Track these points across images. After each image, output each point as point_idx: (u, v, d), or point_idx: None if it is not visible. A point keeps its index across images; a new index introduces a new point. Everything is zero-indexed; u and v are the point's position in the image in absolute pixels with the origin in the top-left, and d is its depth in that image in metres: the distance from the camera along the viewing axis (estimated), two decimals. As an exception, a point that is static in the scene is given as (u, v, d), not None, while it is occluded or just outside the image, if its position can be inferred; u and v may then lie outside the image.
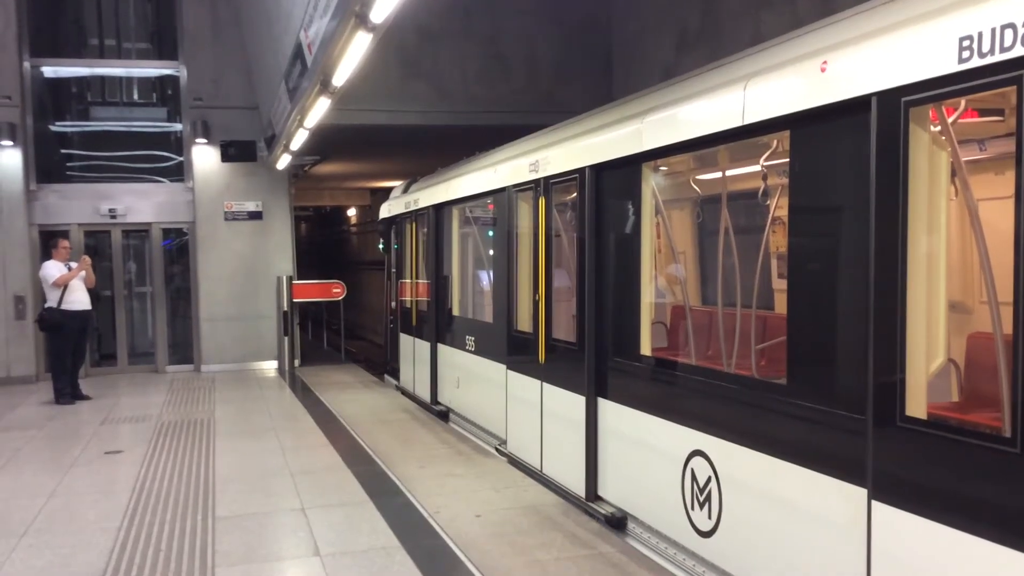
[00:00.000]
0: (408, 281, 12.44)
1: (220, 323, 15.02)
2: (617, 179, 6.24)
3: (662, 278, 6.90)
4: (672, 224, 6.87)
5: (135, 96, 16.61)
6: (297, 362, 15.33)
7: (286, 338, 15.02)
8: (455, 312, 10.36)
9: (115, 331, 15.06)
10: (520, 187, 7.82)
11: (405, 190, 12.89)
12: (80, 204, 14.76)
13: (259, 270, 15.19)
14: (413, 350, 12.03)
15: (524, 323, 7.84)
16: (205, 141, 14.83)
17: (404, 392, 12.42)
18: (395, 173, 19.57)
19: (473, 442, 9.03)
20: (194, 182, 14.97)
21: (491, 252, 9.49)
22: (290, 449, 8.73)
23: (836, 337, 4.10)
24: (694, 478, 5.19)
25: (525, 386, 7.75)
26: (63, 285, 11.52)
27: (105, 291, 14.47)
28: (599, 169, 6.40)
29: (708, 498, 5.05)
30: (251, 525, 6.28)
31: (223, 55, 14.85)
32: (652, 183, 5.89)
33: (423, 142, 15.01)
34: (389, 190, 14.58)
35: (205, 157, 14.96)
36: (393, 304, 13.68)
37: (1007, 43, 3.03)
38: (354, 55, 6.64)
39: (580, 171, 6.60)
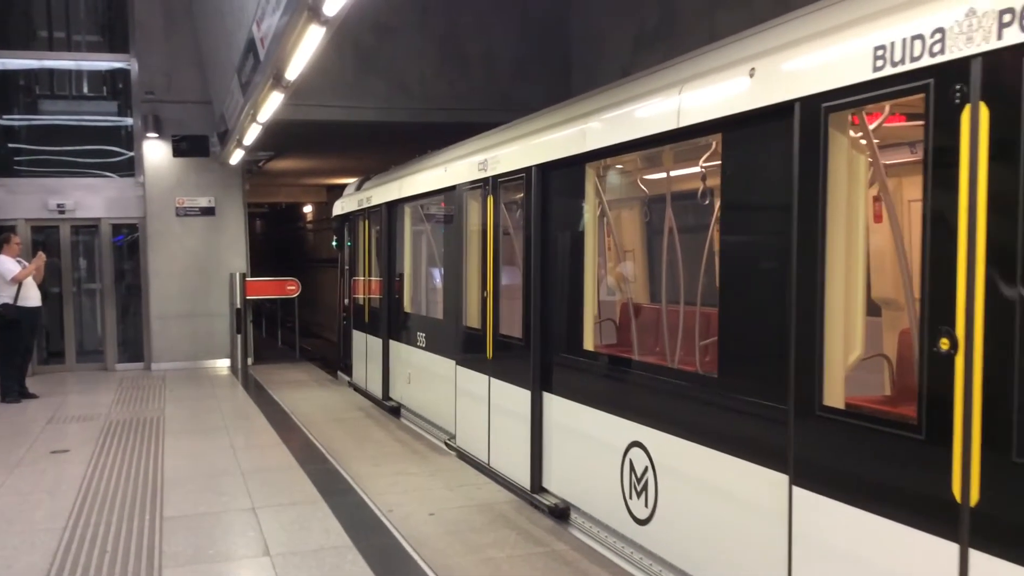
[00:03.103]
0: (361, 278, 12.52)
1: (171, 320, 14.80)
2: (562, 178, 6.44)
3: (609, 276, 7.07)
4: (620, 223, 7.11)
5: (85, 89, 16.26)
6: (250, 360, 15.15)
7: (239, 336, 14.83)
8: (407, 309, 10.47)
9: (63, 328, 14.77)
10: (469, 186, 7.99)
11: (358, 188, 13.01)
12: (28, 199, 14.47)
13: (212, 267, 14.99)
14: (366, 347, 12.10)
15: (473, 320, 7.95)
16: (156, 136, 14.60)
17: (356, 388, 12.48)
18: (352, 170, 19.42)
19: (427, 440, 9.00)
20: (145, 177, 14.73)
21: (442, 250, 9.67)
22: (241, 448, 8.62)
23: (761, 332, 4.29)
24: (632, 468, 5.40)
25: (474, 381, 7.92)
26: (20, 281, 11.29)
27: (53, 288, 14.16)
28: (545, 169, 6.55)
29: (645, 487, 5.25)
30: (200, 525, 6.18)
31: (175, 48, 14.61)
32: (596, 182, 6.11)
33: (380, 139, 14.90)
34: (345, 187, 14.59)
35: (156, 152, 14.73)
36: (346, 301, 13.70)
37: (916, 53, 3.25)
38: (307, 49, 6.57)
39: (527, 170, 6.75)
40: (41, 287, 11.88)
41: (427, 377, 9.54)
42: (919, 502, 3.28)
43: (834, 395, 3.72)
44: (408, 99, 12.92)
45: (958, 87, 3.12)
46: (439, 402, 9.06)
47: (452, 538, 5.89)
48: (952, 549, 3.13)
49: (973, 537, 3.07)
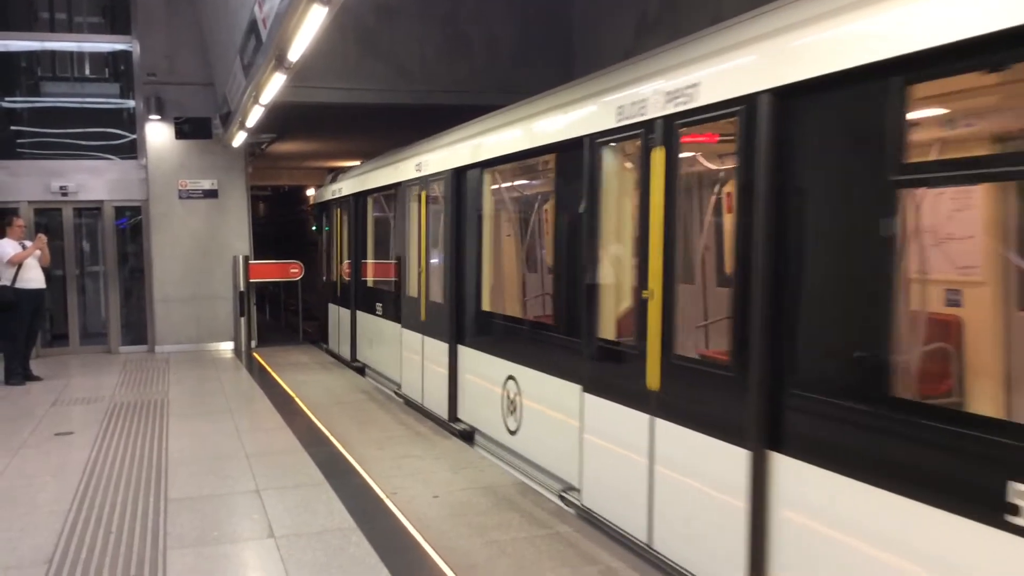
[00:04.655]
0: (334, 259, 14.60)
1: (175, 303, 14.80)
2: (470, 180, 8.25)
3: (502, 255, 8.64)
4: (508, 215, 8.60)
5: (87, 71, 16.20)
6: (254, 343, 15.18)
7: (243, 318, 14.86)
8: (369, 284, 12.61)
9: (67, 311, 14.78)
10: (410, 182, 9.95)
11: (332, 180, 15.04)
12: (30, 181, 14.44)
13: (215, 249, 14.97)
14: (338, 317, 14.21)
15: (412, 291, 9.91)
16: (159, 118, 14.54)
17: (331, 353, 14.54)
18: (354, 152, 19.37)
19: (431, 424, 9.02)
20: (147, 159, 14.68)
21: (393, 234, 11.42)
22: (245, 430, 8.65)
23: (572, 293, 6.28)
24: (507, 395, 7.41)
25: (412, 339, 9.94)
26: (18, 264, 11.29)
27: (57, 270, 14.14)
28: (458, 172, 8.39)
29: (515, 407, 7.28)
30: (204, 507, 6.21)
31: (177, 30, 14.54)
32: (491, 184, 8.02)
33: (381, 121, 14.85)
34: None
35: (159, 134, 14.68)
36: (324, 279, 15.57)
37: (636, 113, 5.23)
38: (309, 30, 6.53)
39: (447, 172, 8.59)
40: (45, 270, 11.88)
41: (383, 339, 11.60)
42: (634, 390, 5.24)
43: (606, 332, 5.75)
44: (409, 82, 12.87)
45: (652, 135, 5.05)
46: (390, 359, 11.06)
47: (456, 520, 5.92)
48: (646, 418, 5.16)
49: (658, 410, 5.05)
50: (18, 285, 11.32)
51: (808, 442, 3.91)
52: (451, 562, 5.04)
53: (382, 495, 6.37)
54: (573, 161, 6.08)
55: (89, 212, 15.02)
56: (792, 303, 4.03)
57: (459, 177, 8.38)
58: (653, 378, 5.02)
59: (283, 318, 20.02)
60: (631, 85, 5.37)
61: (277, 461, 7.40)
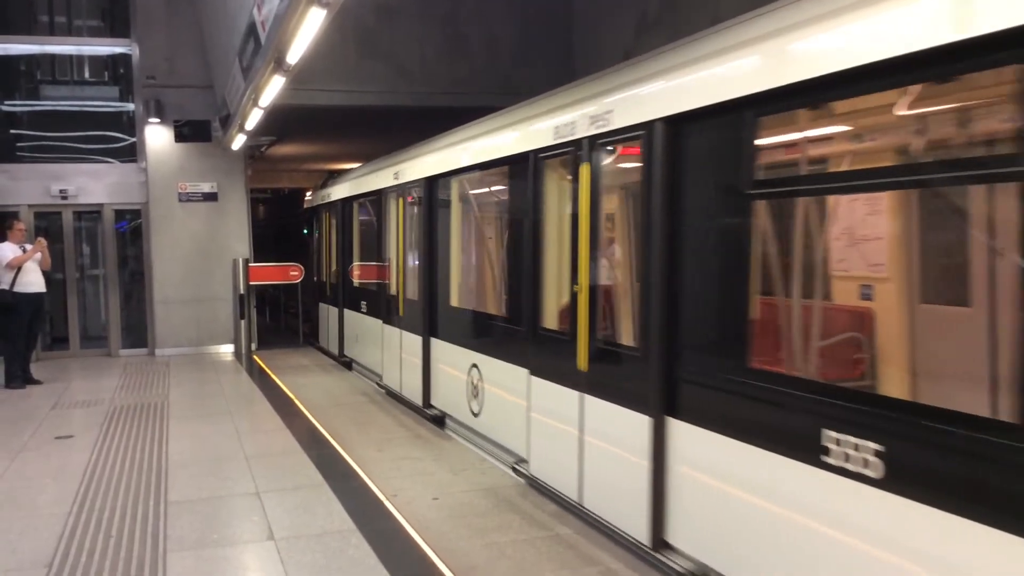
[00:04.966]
0: (324, 260, 15.51)
1: (175, 306, 14.80)
2: (440, 188, 9.11)
3: (466, 255, 9.21)
4: (472, 220, 9.11)
5: (86, 75, 16.21)
6: (254, 345, 15.17)
7: (243, 321, 14.85)
8: (355, 284, 13.27)
9: (67, 314, 14.78)
10: (389, 189, 10.81)
11: (322, 186, 16.02)
12: (30, 185, 14.44)
13: (215, 252, 14.97)
14: (328, 316, 14.99)
15: (392, 289, 10.72)
16: (158, 121, 14.55)
17: (322, 350, 15.24)
18: (354, 155, 19.34)
19: (430, 425, 9.02)
20: (147, 163, 14.69)
21: (376, 236, 11.91)
22: (245, 433, 8.64)
23: (521, 290, 7.03)
24: (471, 381, 8.14)
25: (392, 333, 10.74)
26: (17, 267, 11.29)
27: (57, 274, 14.14)
28: (430, 180, 9.22)
29: (478, 392, 8.02)
30: (204, 510, 6.20)
31: (177, 33, 14.55)
32: (457, 192, 8.83)
33: (382, 123, 14.83)
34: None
35: (158, 137, 14.69)
36: (315, 279, 16.24)
37: (568, 132, 6.08)
38: (308, 32, 6.52)
39: (420, 180, 9.44)
40: (45, 273, 11.89)
41: (367, 335, 12.32)
42: (567, 372, 6.06)
43: (548, 323, 6.59)
44: (409, 83, 12.85)
45: (580, 152, 5.89)
46: (373, 352, 11.83)
47: (456, 522, 5.91)
48: (576, 395, 5.97)
49: (586, 388, 5.86)
50: (17, 289, 11.32)
51: (695, 409, 4.80)
52: (451, 564, 5.03)
53: (382, 497, 6.36)
54: (522, 173, 6.91)
55: (89, 215, 15.02)
56: (682, 295, 4.92)
57: (431, 185, 9.24)
58: (582, 360, 5.91)
59: (283, 321, 20.00)
60: (566, 109, 6.20)
61: (277, 463, 7.40)
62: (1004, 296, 3.73)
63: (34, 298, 11.57)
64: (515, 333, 7.11)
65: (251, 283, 15.02)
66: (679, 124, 4.89)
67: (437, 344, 9.14)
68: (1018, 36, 2.89)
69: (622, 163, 5.81)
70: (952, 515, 3.19)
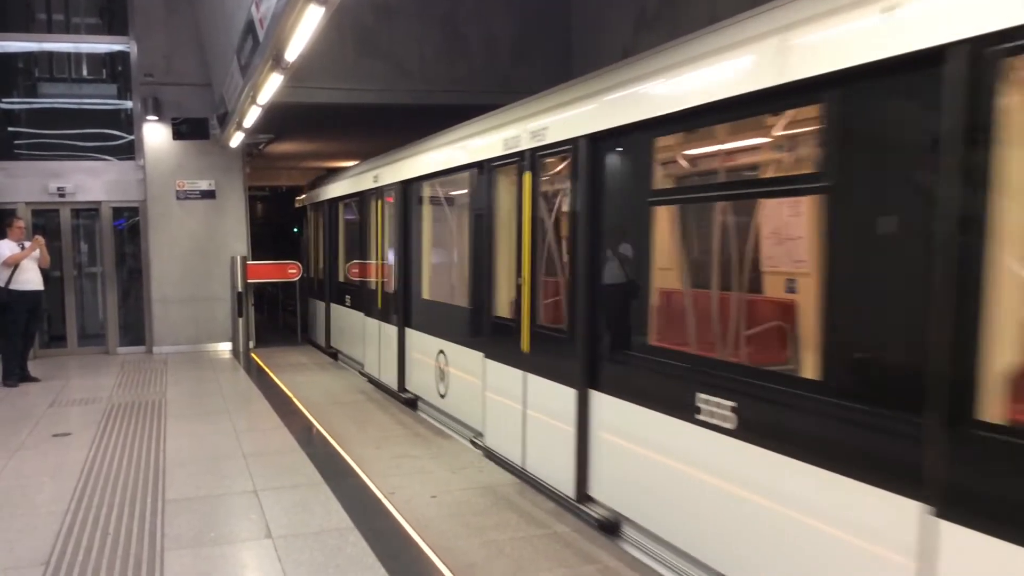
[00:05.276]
0: (312, 257, 16.58)
1: (173, 304, 14.79)
2: (413, 191, 10.01)
3: (435, 252, 10.13)
4: (441, 220, 9.95)
5: (84, 72, 16.16)
6: (252, 343, 15.16)
7: (240, 319, 14.84)
8: (340, 279, 14.17)
9: (64, 312, 14.76)
10: (369, 191, 11.77)
11: (311, 187, 17.25)
12: (28, 182, 14.42)
13: (213, 250, 14.96)
14: (316, 310, 16.04)
15: (372, 284, 11.62)
16: (156, 118, 14.53)
17: (312, 343, 16.09)
18: (352, 153, 19.32)
19: (429, 424, 9.02)
20: (145, 160, 14.67)
21: (358, 234, 12.83)
22: (243, 431, 8.63)
23: (478, 282, 7.93)
24: (439, 366, 9.07)
25: (372, 325, 11.69)
26: (14, 265, 11.27)
27: (55, 272, 14.11)
28: (405, 184, 10.09)
29: (444, 376, 8.95)
30: (202, 508, 6.19)
31: (175, 30, 14.52)
32: (429, 194, 9.78)
33: (380, 121, 14.82)
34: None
35: (156, 135, 14.67)
36: (304, 275, 16.75)
37: (514, 145, 6.96)
38: (306, 30, 6.51)
39: (396, 184, 10.32)
40: (43, 271, 11.87)
41: (350, 327, 13.32)
42: (514, 353, 7.00)
43: (500, 311, 7.46)
44: (408, 81, 12.84)
45: (523, 162, 6.75)
46: (357, 343, 12.78)
47: (454, 521, 5.91)
48: (520, 373, 6.89)
49: (528, 367, 6.77)
50: (13, 287, 11.30)
51: (610, 382, 5.73)
52: (449, 562, 5.03)
53: (380, 495, 6.36)
54: (479, 179, 7.82)
55: (87, 213, 15.00)
56: (600, 287, 5.85)
57: (405, 188, 10.14)
58: (525, 344, 6.84)
59: (281, 319, 19.99)
60: (513, 124, 7.05)
61: (275, 461, 7.39)
62: (808, 288, 4.56)
63: (31, 296, 11.55)
64: (474, 321, 8.05)
65: (249, 281, 15.00)
66: (599, 140, 5.79)
67: (411, 333, 10.12)
68: (821, 82, 3.82)
69: (556, 172, 6.54)
70: (784, 456, 4.07)
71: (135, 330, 15.16)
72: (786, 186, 4.76)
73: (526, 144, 6.73)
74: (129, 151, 15.19)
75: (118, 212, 15.10)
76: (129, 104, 15.39)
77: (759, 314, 5.42)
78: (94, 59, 16.02)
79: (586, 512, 5.92)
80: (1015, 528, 2.97)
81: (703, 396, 4.65)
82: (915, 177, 3.50)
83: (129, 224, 15.27)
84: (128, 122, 15.36)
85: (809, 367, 4.17)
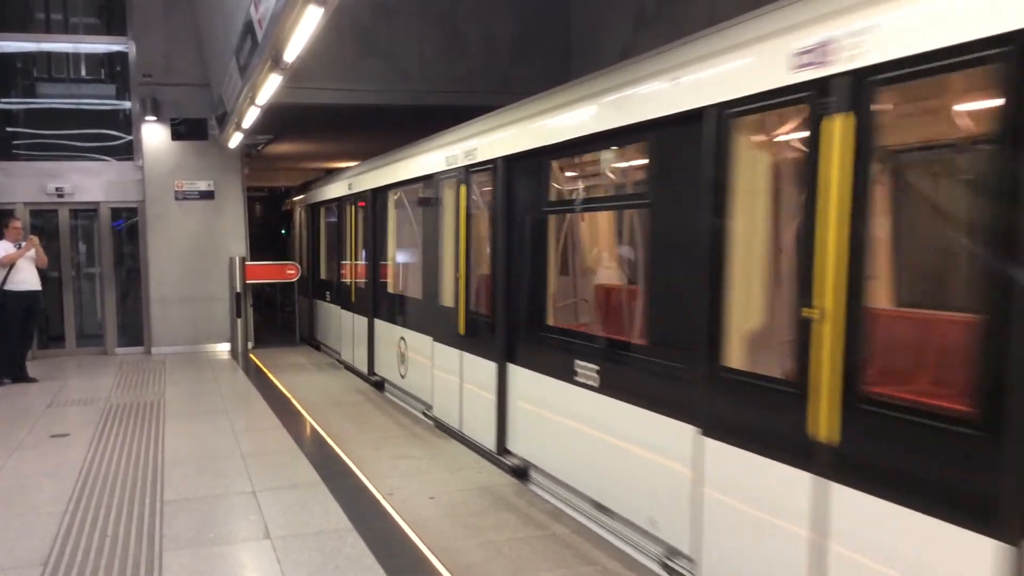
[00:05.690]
0: (297, 256, 18.20)
1: (171, 304, 14.78)
2: (380, 198, 11.37)
3: (398, 251, 11.33)
4: (404, 223, 11.05)
5: (83, 72, 16.15)
6: (250, 344, 15.14)
7: (239, 320, 14.82)
8: (322, 277, 15.44)
9: (63, 313, 14.75)
10: (345, 197, 13.09)
11: (296, 192, 19.11)
12: (26, 182, 14.41)
13: (211, 251, 14.94)
14: (301, 306, 17.41)
15: (347, 280, 13.14)
16: (155, 119, 14.52)
17: (300, 337, 17.08)
18: (351, 153, 19.34)
19: (426, 424, 9.02)
20: (144, 160, 14.66)
21: (336, 237, 14.07)
22: (242, 431, 8.62)
23: (429, 276, 9.23)
24: (400, 350, 10.34)
25: (347, 317, 13.20)
26: (9, 265, 11.26)
27: (53, 272, 14.11)
28: (375, 191, 11.47)
29: (404, 359, 10.24)
30: (200, 508, 6.19)
31: (174, 31, 14.51)
32: (394, 201, 10.98)
33: (379, 122, 14.83)
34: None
35: (155, 135, 14.66)
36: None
37: (456, 161, 8.17)
38: (305, 30, 6.50)
39: (367, 191, 11.70)
40: (41, 271, 11.85)
41: (330, 320, 14.69)
42: (453, 335, 8.27)
43: (445, 301, 8.64)
44: (407, 82, 12.85)
45: (460, 177, 8.07)
46: (335, 334, 14.23)
47: (452, 521, 5.90)
48: (457, 353, 8.25)
49: (463, 347, 8.08)
50: (8, 287, 11.29)
51: (522, 355, 7.03)
52: (447, 563, 5.02)
53: (378, 496, 6.35)
54: (430, 189, 9.17)
55: (85, 213, 14.99)
56: (514, 278, 7.13)
57: (374, 195, 11.50)
58: (461, 327, 8.12)
59: (279, 319, 19.98)
60: (455, 144, 8.39)
61: (273, 462, 7.38)
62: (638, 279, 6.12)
63: (26, 296, 11.53)
64: (426, 310, 9.38)
65: (247, 282, 14.98)
66: (512, 161, 7.11)
67: (379, 324, 11.54)
68: (645, 126, 5.18)
69: (483, 185, 7.85)
70: (624, 403, 5.43)
71: (133, 330, 15.14)
72: (626, 201, 6.61)
73: (462, 162, 8.12)
74: (128, 151, 15.18)
75: (116, 212, 15.09)
76: (127, 104, 15.38)
77: (611, 299, 6.88)
78: (92, 59, 16.00)
79: (504, 462, 7.26)
80: (750, 441, 4.23)
81: (579, 362, 6.01)
82: (697, 198, 4.65)
83: (127, 225, 15.26)
84: (126, 122, 15.35)
85: (637, 337, 5.60)
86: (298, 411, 9.61)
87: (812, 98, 3.83)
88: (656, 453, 5.06)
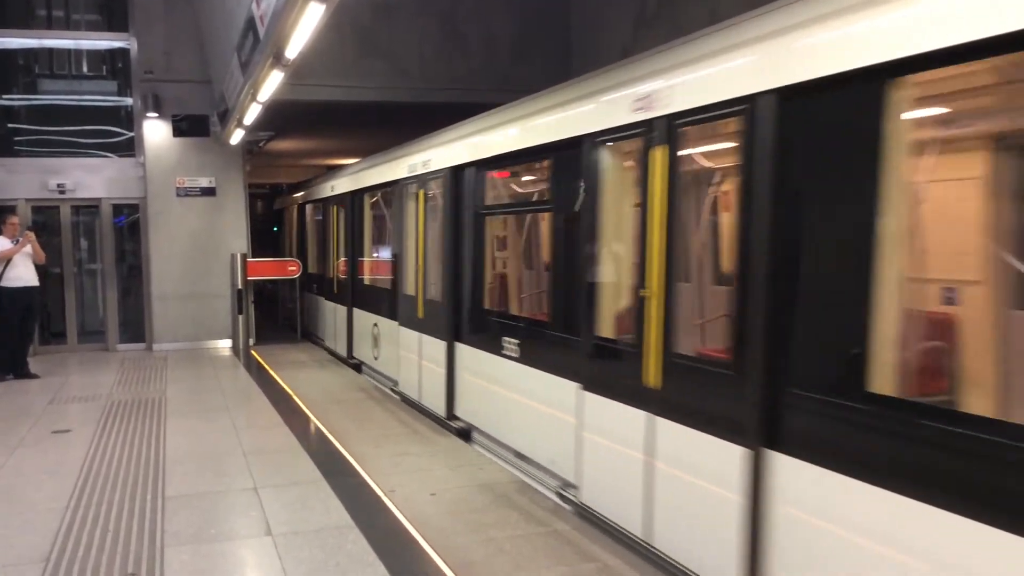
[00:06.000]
0: (287, 252, 19.49)
1: (172, 301, 14.79)
2: (356, 200, 12.67)
3: (373, 247, 12.74)
4: (376, 223, 12.57)
5: (84, 69, 16.15)
6: (252, 341, 15.15)
7: (240, 316, 14.83)
8: (310, 271, 16.55)
9: (64, 309, 14.76)
10: (329, 198, 14.40)
11: (291, 191, 20.45)
12: (28, 179, 14.42)
13: (212, 247, 14.95)
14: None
15: (331, 274, 14.40)
16: (156, 115, 14.52)
17: (301, 333, 17.46)
18: (352, 150, 19.35)
19: (428, 421, 9.02)
20: (145, 157, 14.66)
21: (324, 234, 15.21)
22: (243, 428, 8.64)
23: (396, 269, 10.54)
24: (374, 335, 11.85)
25: (330, 308, 14.66)
26: (5, 261, 11.26)
27: (54, 268, 14.14)
28: (353, 193, 12.70)
29: (377, 343, 11.75)
30: (202, 505, 6.20)
31: (175, 27, 14.51)
32: (369, 202, 12.35)
33: (380, 119, 14.84)
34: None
35: (156, 132, 14.67)
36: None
37: (416, 169, 9.68)
38: (307, 27, 6.50)
39: (346, 193, 13.02)
40: (42, 268, 11.85)
41: (317, 311, 16.09)
42: (414, 319, 9.71)
43: (408, 290, 9.87)
44: (408, 80, 12.84)
45: (419, 183, 9.58)
46: (321, 323, 15.73)
47: (453, 518, 5.91)
48: (415, 334, 9.71)
49: (422, 329, 9.49)
50: (4, 284, 11.29)
51: (466, 334, 8.37)
52: (449, 560, 5.03)
53: (380, 493, 6.36)
54: (396, 193, 10.48)
55: (87, 210, 14.99)
56: (461, 270, 8.31)
57: (352, 197, 12.84)
58: (420, 311, 9.50)
59: (281, 316, 19.98)
60: (416, 153, 9.66)
61: (274, 459, 7.40)
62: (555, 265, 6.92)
63: (23, 292, 11.54)
64: (392, 298, 10.76)
65: (249, 278, 14.99)
66: (458, 170, 8.39)
67: (357, 312, 12.97)
68: (549, 147, 6.54)
69: (436, 191, 8.96)
70: (535, 369, 6.80)
71: (135, 327, 15.15)
72: (538, 206, 8.14)
73: (420, 169, 9.48)
74: (129, 148, 15.19)
75: (118, 209, 15.09)
76: (129, 101, 15.39)
77: (528, 286, 8.69)
78: (94, 55, 16.00)
79: (451, 426, 8.56)
80: (614, 392, 5.51)
81: (505, 338, 7.33)
82: (581, 205, 5.94)
83: (129, 221, 15.27)
84: (128, 119, 15.36)
85: (544, 315, 7.11)
86: (299, 408, 9.61)
87: (645, 133, 5.14)
88: (554, 408, 6.44)
